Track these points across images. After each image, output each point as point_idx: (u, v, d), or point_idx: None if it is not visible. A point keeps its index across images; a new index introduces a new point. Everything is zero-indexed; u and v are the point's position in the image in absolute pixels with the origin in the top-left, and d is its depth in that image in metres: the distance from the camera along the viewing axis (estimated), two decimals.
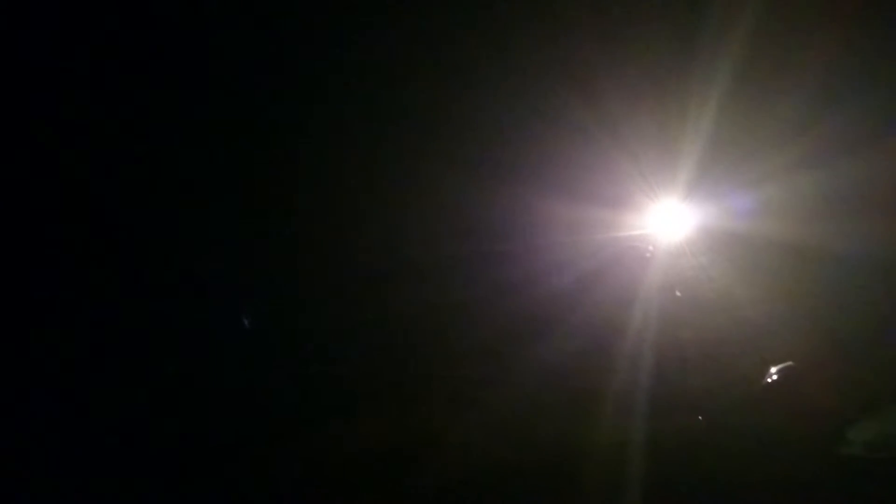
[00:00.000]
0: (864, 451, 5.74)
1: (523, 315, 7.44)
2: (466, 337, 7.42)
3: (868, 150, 6.82)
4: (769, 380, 6.49)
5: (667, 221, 7.76)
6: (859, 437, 5.79)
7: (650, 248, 7.82)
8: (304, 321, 7.49)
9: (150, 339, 7.11)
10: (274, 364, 7.14)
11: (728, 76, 7.20)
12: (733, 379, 6.84)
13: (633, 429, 6.55)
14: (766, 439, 6.12)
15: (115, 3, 7.12)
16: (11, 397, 6.50)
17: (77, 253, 7.31)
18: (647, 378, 6.94)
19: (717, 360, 7.04)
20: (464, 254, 7.74)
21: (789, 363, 6.46)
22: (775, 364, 6.55)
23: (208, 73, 7.50)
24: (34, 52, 7.03)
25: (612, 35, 7.56)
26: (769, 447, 6.05)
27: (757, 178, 7.27)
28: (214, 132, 7.58)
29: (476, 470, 6.23)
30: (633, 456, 6.27)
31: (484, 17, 7.75)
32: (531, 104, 7.88)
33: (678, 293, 7.56)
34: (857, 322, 6.59)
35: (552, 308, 7.47)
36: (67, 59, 7.03)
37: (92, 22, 7.07)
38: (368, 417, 6.77)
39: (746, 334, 7.09)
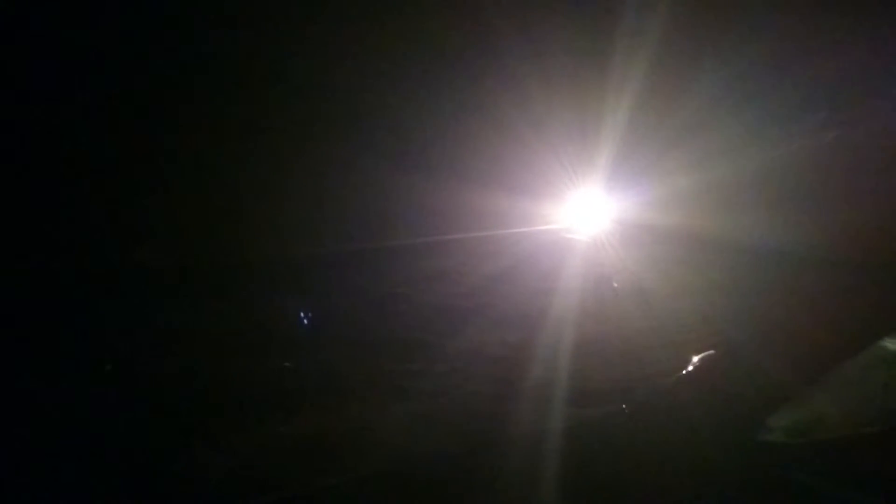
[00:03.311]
0: (783, 437, 5.84)
1: (446, 307, 7.35)
2: (389, 329, 7.27)
3: (789, 143, 7.04)
4: (688, 370, 6.55)
5: (587, 214, 7.76)
6: (779, 423, 5.89)
7: (571, 240, 7.81)
8: (230, 316, 7.19)
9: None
10: (203, 361, 6.81)
11: (644, 74, 7.32)
12: (651, 370, 6.89)
13: (554, 418, 6.50)
14: (685, 428, 6.15)
15: None
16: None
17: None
18: (566, 369, 6.90)
19: (636, 351, 7.07)
20: (385, 246, 7.58)
21: (710, 352, 6.55)
22: (694, 354, 6.63)
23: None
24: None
25: (532, 30, 7.59)
26: (689, 436, 6.08)
27: (676, 171, 7.38)
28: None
29: (403, 460, 6.08)
30: (554, 445, 6.22)
31: (406, 12, 7.66)
32: (450, 96, 7.81)
33: (615, 285, 7.59)
34: (773, 313, 6.73)
35: (474, 300, 7.39)
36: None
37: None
38: (296, 411, 6.51)
39: (664, 326, 7.15)
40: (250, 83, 7.67)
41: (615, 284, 7.54)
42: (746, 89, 7.05)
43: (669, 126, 7.35)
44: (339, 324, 7.29)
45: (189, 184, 7.25)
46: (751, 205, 7.14)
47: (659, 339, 7.10)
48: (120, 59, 7.22)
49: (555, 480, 5.92)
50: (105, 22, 6.70)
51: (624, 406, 6.44)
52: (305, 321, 7.27)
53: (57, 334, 6.54)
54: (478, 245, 7.61)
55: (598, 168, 7.58)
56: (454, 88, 7.71)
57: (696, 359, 6.58)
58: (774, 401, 6.07)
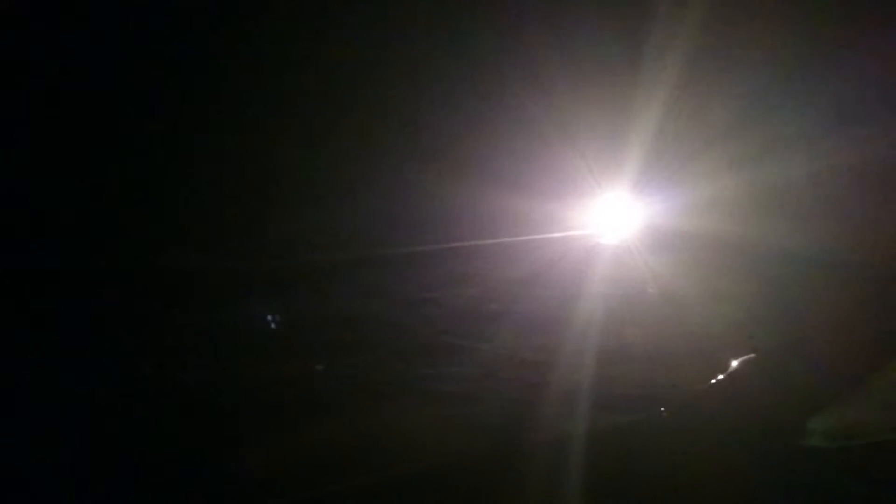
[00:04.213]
0: (825, 441, 5.77)
1: (477, 311, 7.33)
2: (421, 333, 7.25)
3: (818, 148, 7.01)
4: (724, 375, 6.50)
5: (617, 218, 7.76)
6: (818, 427, 5.83)
7: (602, 244, 7.80)
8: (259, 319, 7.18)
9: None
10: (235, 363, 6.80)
11: (675, 77, 7.31)
12: (683, 376, 6.84)
13: (585, 424, 6.44)
14: (720, 434, 6.09)
15: None
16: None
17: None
18: (597, 374, 6.85)
19: (668, 357, 7.02)
20: (417, 250, 7.57)
21: (749, 356, 6.51)
22: (729, 360, 6.58)
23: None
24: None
25: (560, 34, 7.58)
26: (723, 441, 6.02)
27: (706, 176, 7.37)
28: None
29: (433, 464, 6.03)
30: (584, 450, 6.16)
31: (433, 13, 7.67)
32: (479, 101, 7.81)
33: (650, 290, 7.54)
34: (810, 318, 6.70)
35: (505, 304, 7.37)
36: None
37: None
38: (328, 413, 6.48)
39: (697, 332, 7.11)
40: (278, 87, 7.69)
41: (650, 290, 7.50)
42: (784, 92, 7.03)
43: (702, 129, 7.34)
44: (370, 327, 7.27)
45: (223, 188, 7.26)
46: (786, 211, 7.12)
47: (692, 345, 7.06)
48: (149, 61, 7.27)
49: (585, 486, 5.86)
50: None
51: (662, 409, 6.38)
52: (335, 325, 7.25)
53: (91, 337, 6.55)
54: (509, 249, 7.59)
55: (629, 173, 7.57)
56: (485, 94, 7.72)
57: (734, 363, 6.53)
58: (813, 405, 6.01)
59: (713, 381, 6.60)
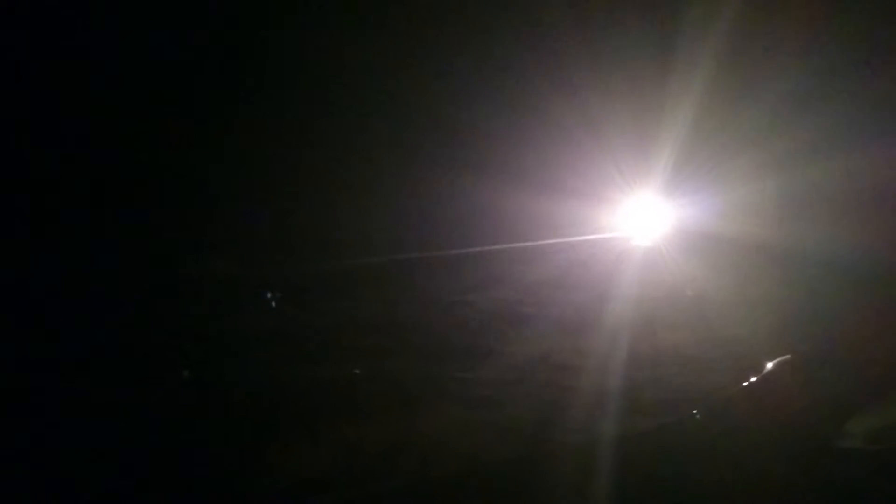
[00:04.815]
0: (864, 443, 5.72)
1: (512, 314, 7.37)
2: (456, 337, 7.30)
3: (850, 151, 6.96)
4: (758, 378, 6.48)
5: (645, 221, 7.78)
6: (853, 429, 5.78)
7: (638, 248, 7.82)
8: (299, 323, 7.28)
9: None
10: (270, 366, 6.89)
11: (708, 77, 7.29)
12: (719, 379, 6.83)
13: (620, 427, 6.44)
14: (755, 438, 6.06)
15: None
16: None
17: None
18: (633, 378, 6.87)
19: (698, 361, 7.02)
20: (453, 254, 7.64)
21: (785, 357, 6.47)
22: (764, 363, 6.55)
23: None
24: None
25: (592, 34, 7.60)
26: (759, 445, 5.99)
27: (737, 179, 7.35)
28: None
29: (463, 468, 6.06)
30: (619, 454, 6.15)
31: (464, 15, 7.72)
32: (511, 103, 7.86)
33: (683, 293, 7.54)
34: (841, 320, 6.66)
35: (540, 308, 7.41)
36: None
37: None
38: (364, 416, 6.54)
39: (727, 335, 7.10)
40: (309, 90, 7.77)
41: (683, 293, 7.50)
42: (821, 95, 7.00)
43: (737, 131, 7.33)
44: (403, 331, 7.33)
45: (266, 195, 7.36)
46: (820, 215, 7.08)
47: (724, 348, 7.05)
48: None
49: (617, 490, 5.84)
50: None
51: (695, 412, 6.37)
52: (370, 328, 7.33)
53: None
54: (541, 252, 7.63)
55: (662, 176, 7.59)
56: (516, 98, 7.76)
57: (766, 366, 6.51)
58: (846, 408, 5.97)
59: (746, 384, 6.59)
